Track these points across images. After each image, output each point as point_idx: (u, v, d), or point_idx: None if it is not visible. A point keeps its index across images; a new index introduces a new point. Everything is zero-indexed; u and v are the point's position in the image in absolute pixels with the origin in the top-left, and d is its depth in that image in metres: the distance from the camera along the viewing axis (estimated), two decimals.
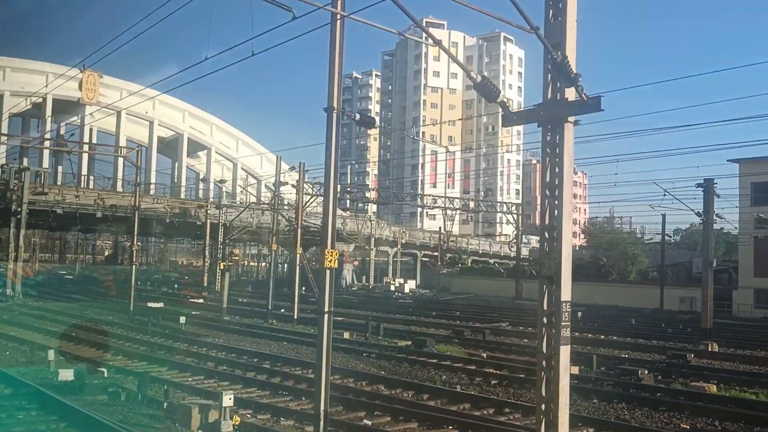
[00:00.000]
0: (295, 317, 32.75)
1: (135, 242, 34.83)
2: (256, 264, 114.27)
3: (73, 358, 19.58)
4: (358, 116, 11.70)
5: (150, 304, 42.78)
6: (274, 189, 37.15)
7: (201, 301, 49.72)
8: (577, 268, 40.53)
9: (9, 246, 46.23)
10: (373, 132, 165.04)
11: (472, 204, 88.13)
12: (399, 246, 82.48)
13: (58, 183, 58.17)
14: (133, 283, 34.40)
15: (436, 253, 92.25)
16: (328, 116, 10.95)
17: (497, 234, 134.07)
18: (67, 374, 15.68)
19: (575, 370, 20.66)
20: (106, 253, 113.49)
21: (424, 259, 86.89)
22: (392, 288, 73.61)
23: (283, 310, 43.86)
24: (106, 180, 62.49)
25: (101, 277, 77.95)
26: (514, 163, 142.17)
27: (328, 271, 11.24)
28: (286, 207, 54.11)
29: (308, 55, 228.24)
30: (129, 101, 58.37)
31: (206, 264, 61.38)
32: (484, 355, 24.02)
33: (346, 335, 28.24)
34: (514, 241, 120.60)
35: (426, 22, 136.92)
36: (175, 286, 65.23)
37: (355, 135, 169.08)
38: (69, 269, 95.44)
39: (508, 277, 73.20)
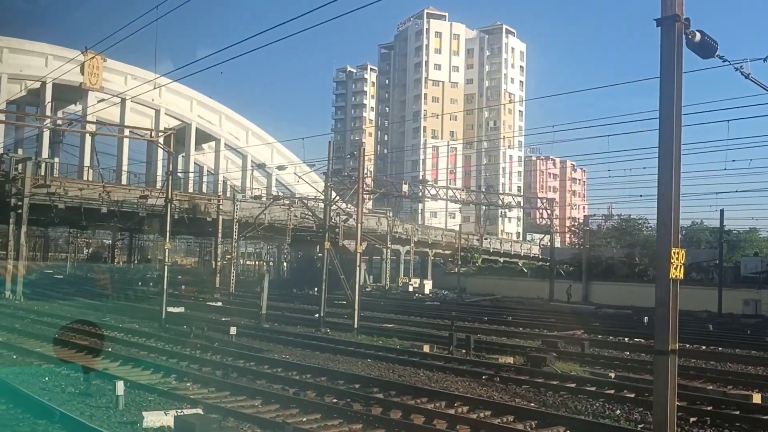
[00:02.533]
0: (356, 326, 28.43)
1: (168, 239, 30.34)
2: (253, 263, 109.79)
3: (137, 387, 15.25)
4: (698, 36, 7.46)
5: (170, 309, 38.55)
6: (327, 176, 32.77)
7: (219, 304, 45.40)
8: (609, 268, 36.62)
9: (9, 244, 41.55)
10: (368, 127, 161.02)
11: (474, 199, 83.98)
12: (412, 244, 78.51)
13: (55, 176, 53.40)
14: (164, 286, 29.91)
15: (447, 252, 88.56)
16: (663, 32, 6.78)
17: (501, 232, 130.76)
18: (155, 418, 11.44)
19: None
20: (87, 251, 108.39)
21: (432, 258, 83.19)
22: (411, 289, 69.65)
23: (317, 315, 39.83)
24: (108, 172, 57.82)
25: (96, 276, 73.32)
26: (516, 159, 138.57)
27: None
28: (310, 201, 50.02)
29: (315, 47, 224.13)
30: (134, 88, 53.75)
31: (218, 263, 56.98)
32: (612, 375, 19.98)
33: (426, 348, 24.14)
34: (529, 238, 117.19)
35: (427, 12, 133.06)
36: (182, 287, 60.91)
37: (348, 129, 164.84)
38: (55, 268, 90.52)
39: (533, 277, 69.37)
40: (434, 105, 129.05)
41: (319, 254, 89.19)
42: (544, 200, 57.90)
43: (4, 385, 14.67)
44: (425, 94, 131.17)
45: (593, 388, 17.25)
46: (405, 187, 69.19)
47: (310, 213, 63.58)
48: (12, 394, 13.88)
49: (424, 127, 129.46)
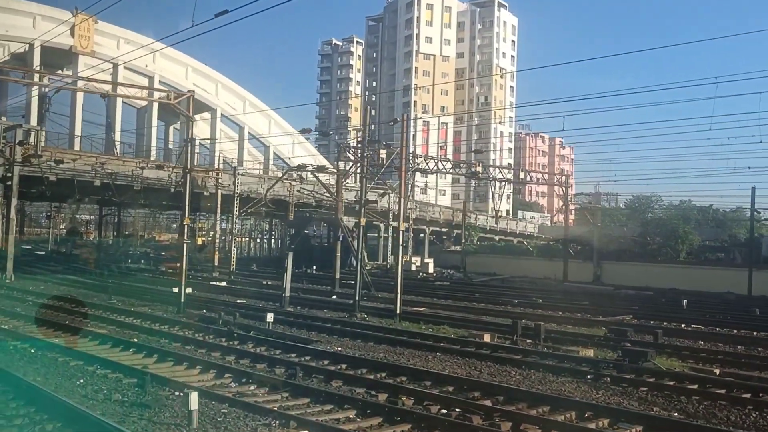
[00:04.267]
0: (398, 311, 25.72)
1: (187, 215, 27.30)
2: (240, 239, 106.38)
3: (209, 396, 12.46)
4: None
5: (176, 290, 35.66)
6: (362, 145, 29.78)
7: (224, 283, 42.54)
8: (620, 247, 33.96)
9: None
10: (354, 102, 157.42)
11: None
12: (411, 221, 75.91)
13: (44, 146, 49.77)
14: (184, 266, 26.94)
15: (444, 229, 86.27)
16: None
17: (491, 209, 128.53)
18: None
19: None
20: (62, 227, 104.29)
21: (430, 236, 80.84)
22: (413, 268, 67.09)
23: (335, 297, 37.22)
24: (97, 143, 54.18)
25: (81, 253, 69.98)
26: (506, 135, 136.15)
27: None
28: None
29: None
30: (128, 53, 50.14)
31: (216, 240, 54.00)
32: (717, 371, 17.57)
33: (487, 338, 21.56)
34: (519, 216, 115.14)
35: None
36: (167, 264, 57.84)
37: (334, 106, 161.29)
38: (33, 244, 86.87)
39: (539, 256, 67.06)
40: (425, 79, 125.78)
41: (314, 232, 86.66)
42: (561, 176, 55.48)
43: (36, 391, 11.84)
44: (416, 68, 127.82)
45: (721, 391, 14.78)
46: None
47: (308, 189, 60.93)
48: (50, 405, 11.05)
49: (415, 101, 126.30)
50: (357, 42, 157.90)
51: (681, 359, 18.82)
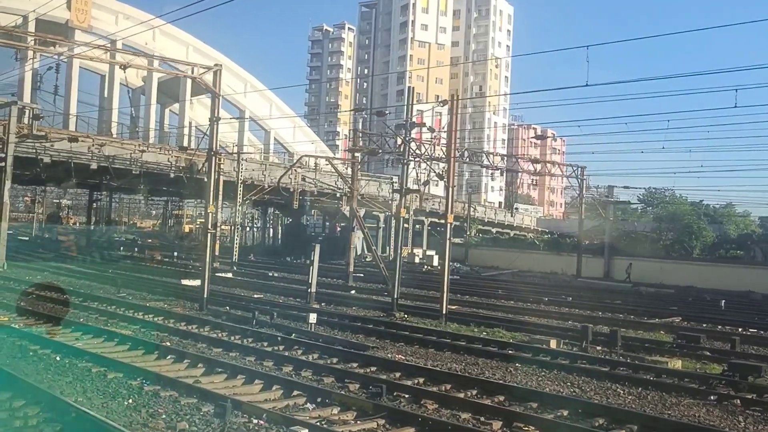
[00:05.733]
0: (444, 311, 23.43)
1: (211, 201, 24.81)
2: (229, 227, 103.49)
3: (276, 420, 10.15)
4: None
5: (185, 282, 33.33)
6: (406, 130, 27.35)
7: (230, 275, 40.06)
8: (632, 242, 31.85)
9: None
10: (345, 89, 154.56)
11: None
12: (412, 212, 73.77)
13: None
14: (209, 259, 24.45)
15: (443, 221, 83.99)
16: None
17: (483, 201, 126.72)
18: None
19: None
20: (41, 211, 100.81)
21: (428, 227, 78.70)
22: (417, 260, 64.98)
23: (353, 292, 34.96)
24: (91, 125, 51.19)
25: (68, 239, 67.20)
26: (500, 125, 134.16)
27: None
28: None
29: None
30: (126, 29, 47.28)
31: (222, 228, 51.42)
32: None
33: (553, 344, 19.41)
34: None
35: None
36: (176, 252, 55.25)
37: (324, 92, 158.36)
38: (14, 229, 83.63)
39: (546, 250, 65.10)
40: (419, 68, 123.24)
41: (308, 221, 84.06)
42: (576, 167, 53.47)
43: (87, 420, 9.46)
44: (411, 56, 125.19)
45: None
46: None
47: (312, 178, 58.49)
48: None
49: (410, 88, 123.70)
50: (348, 28, 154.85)
51: None
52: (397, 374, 14.72)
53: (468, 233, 69.74)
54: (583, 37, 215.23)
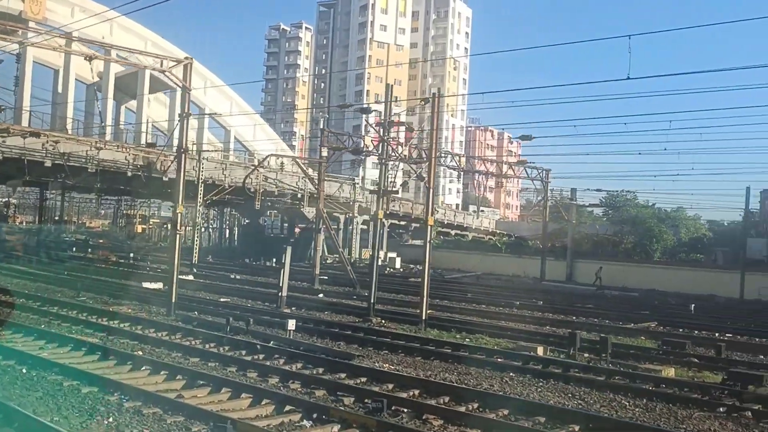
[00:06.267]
0: (424, 317, 22.69)
1: (181, 202, 23.59)
2: (184, 229, 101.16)
3: None
4: None
5: (147, 285, 32.02)
6: (384, 128, 26.45)
7: (191, 277, 38.73)
8: (594, 246, 31.78)
9: None
10: (302, 89, 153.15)
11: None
12: (371, 213, 73.06)
13: None
14: (177, 261, 23.27)
15: (402, 222, 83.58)
16: None
17: (441, 203, 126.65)
18: None
19: None
20: None
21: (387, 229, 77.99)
22: (379, 262, 64.12)
23: (321, 295, 33.96)
24: (43, 120, 49.07)
25: (13, 239, 64.76)
26: (458, 127, 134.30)
27: None
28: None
29: None
30: (81, 20, 45.43)
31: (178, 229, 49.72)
32: None
33: (540, 351, 18.84)
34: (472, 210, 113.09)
35: None
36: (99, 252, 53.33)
37: (281, 92, 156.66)
38: None
39: (509, 253, 64.89)
40: (379, 69, 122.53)
41: (266, 222, 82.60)
42: (541, 170, 53.20)
43: None
44: (369, 56, 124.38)
45: None
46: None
47: (274, 178, 57.33)
48: None
49: (368, 90, 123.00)
50: (306, 28, 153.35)
51: None
52: (390, 386, 13.90)
53: (429, 235, 68.97)
54: (543, 40, 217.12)
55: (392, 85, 32.65)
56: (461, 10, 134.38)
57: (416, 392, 13.45)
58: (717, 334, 26.12)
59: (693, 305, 35.03)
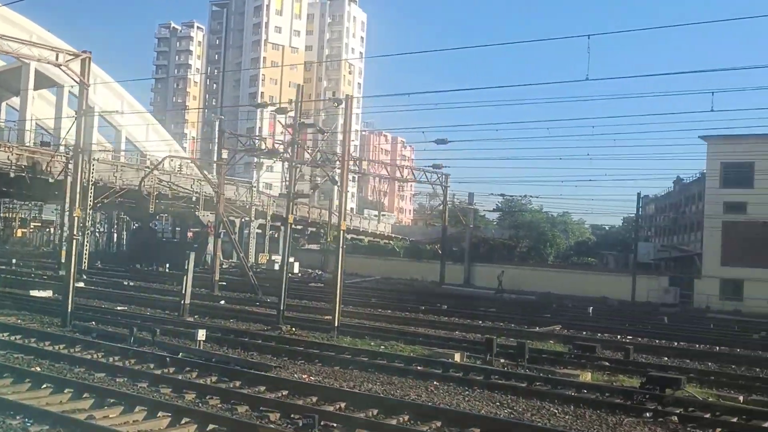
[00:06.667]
0: (336, 324, 22.09)
1: (78, 204, 22.04)
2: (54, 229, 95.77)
3: None
4: None
5: (35, 293, 30.08)
6: (295, 129, 25.50)
7: (81, 284, 36.59)
8: (490, 250, 32.91)
9: None
10: (193, 90, 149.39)
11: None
12: (269, 217, 71.87)
13: None
14: (72, 269, 21.73)
15: (299, 227, 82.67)
16: None
17: (335, 207, 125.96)
18: None
19: None
20: None
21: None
22: (277, 267, 63.05)
23: (223, 302, 32.76)
24: None
25: None
26: (353, 131, 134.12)
27: None
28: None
29: None
30: None
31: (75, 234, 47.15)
32: (741, 398, 15.65)
33: (458, 357, 18.65)
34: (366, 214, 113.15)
35: None
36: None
37: (171, 92, 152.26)
38: None
39: (407, 257, 65.12)
40: (274, 70, 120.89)
41: (156, 226, 79.72)
42: (441, 174, 53.54)
43: None
44: (264, 58, 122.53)
45: None
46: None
47: (168, 181, 55.36)
48: None
49: (262, 92, 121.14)
50: (198, 27, 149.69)
51: (700, 384, 16.74)
52: (314, 398, 13.29)
53: (328, 239, 68.69)
54: (435, 45, 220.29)
55: (301, 87, 31.85)
56: (356, 14, 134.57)
57: (343, 405, 12.90)
58: (619, 337, 26.88)
59: (591, 308, 36.00)
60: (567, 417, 12.72)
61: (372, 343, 20.86)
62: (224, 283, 41.29)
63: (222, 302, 32.52)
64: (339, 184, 24.20)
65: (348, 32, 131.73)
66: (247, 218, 65.08)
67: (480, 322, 29.93)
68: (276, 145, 41.66)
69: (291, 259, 67.84)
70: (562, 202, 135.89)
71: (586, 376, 17.16)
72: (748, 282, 45.45)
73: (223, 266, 58.99)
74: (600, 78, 37.09)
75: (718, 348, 25.00)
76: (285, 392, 13.71)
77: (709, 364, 20.97)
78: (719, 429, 12.47)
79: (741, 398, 15.65)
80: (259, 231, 72.69)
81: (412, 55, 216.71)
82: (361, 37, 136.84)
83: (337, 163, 50.79)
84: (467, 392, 14.53)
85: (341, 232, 23.69)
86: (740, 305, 44.32)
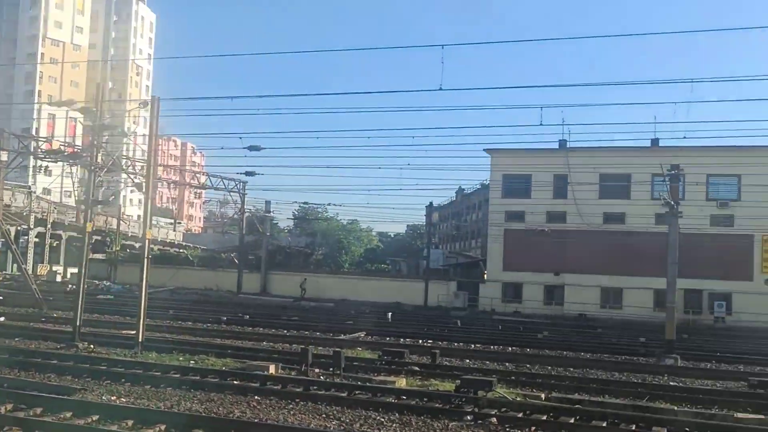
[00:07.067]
0: (141, 339, 20.82)
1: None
2: None
3: None
4: None
5: None
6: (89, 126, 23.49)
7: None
8: (287, 257, 34.54)
9: None
10: None
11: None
12: (49, 225, 67.05)
13: None
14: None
15: (80, 235, 77.69)
16: None
17: (123, 215, 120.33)
18: None
19: None
20: None
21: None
22: (59, 279, 58.90)
23: (3, 318, 29.88)
24: None
25: None
26: (140, 135, 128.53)
27: None
28: None
29: None
30: None
31: None
32: (543, 395, 16.77)
33: (272, 369, 18.33)
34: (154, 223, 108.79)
35: None
36: None
37: None
38: None
39: (201, 266, 63.30)
40: (53, 68, 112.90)
41: None
42: (239, 181, 52.40)
43: None
44: (42, 53, 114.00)
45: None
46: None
47: None
48: None
49: (40, 90, 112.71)
50: None
51: (506, 385, 17.64)
52: (129, 422, 12.40)
53: (116, 248, 65.23)
54: (226, 50, 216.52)
55: (100, 86, 29.90)
56: (144, 14, 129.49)
57: (163, 427, 12.15)
58: (421, 341, 27.82)
59: (390, 314, 36.98)
60: (395, 425, 12.84)
61: (181, 358, 19.97)
62: (1, 297, 37.95)
63: (2, 318, 29.70)
64: (144, 190, 22.87)
65: (135, 32, 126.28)
66: (24, 226, 60.20)
67: (285, 331, 29.73)
68: (65, 148, 38.68)
69: (75, 270, 63.98)
70: (356, 209, 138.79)
71: (402, 382, 17.51)
72: (526, 285, 49.13)
73: None
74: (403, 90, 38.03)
75: (510, 348, 26.61)
76: (95, 417, 12.68)
77: (507, 364, 22.27)
78: (534, 428, 13.14)
79: (543, 396, 16.73)
80: (37, 240, 67.56)
81: (216, 60, 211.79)
82: (150, 38, 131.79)
83: (139, 168, 48.41)
84: (291, 405, 14.24)
85: (147, 241, 22.55)
86: (520, 307, 47.83)
